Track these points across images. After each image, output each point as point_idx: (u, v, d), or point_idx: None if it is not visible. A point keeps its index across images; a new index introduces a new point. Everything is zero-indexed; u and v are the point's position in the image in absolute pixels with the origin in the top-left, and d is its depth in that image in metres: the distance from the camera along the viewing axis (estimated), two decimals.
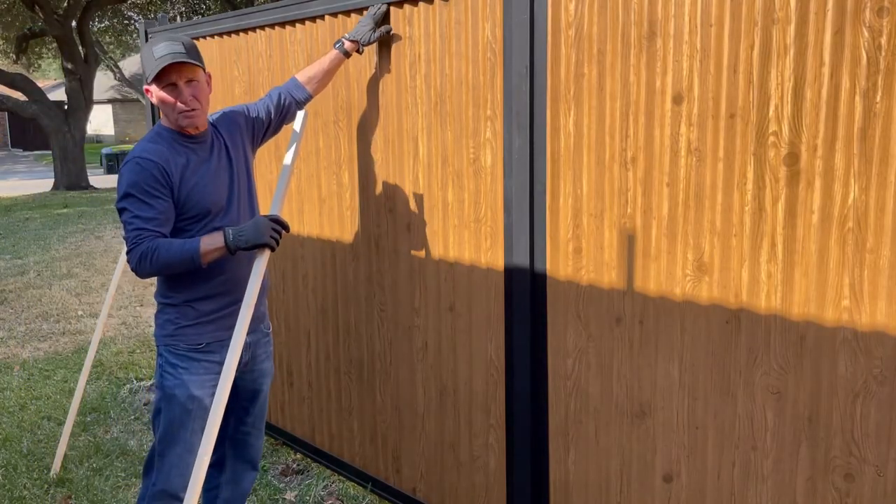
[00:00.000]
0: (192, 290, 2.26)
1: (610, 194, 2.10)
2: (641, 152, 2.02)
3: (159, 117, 2.33)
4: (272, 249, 2.20)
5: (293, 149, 2.46)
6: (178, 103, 2.18)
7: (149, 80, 2.18)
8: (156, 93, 2.20)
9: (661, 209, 2.00)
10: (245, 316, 2.16)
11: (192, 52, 2.20)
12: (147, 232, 2.12)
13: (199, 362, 2.27)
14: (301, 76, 2.62)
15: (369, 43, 2.60)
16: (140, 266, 2.13)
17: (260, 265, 2.20)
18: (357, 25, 2.61)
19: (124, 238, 2.16)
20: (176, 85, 2.17)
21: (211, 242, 2.13)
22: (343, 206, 2.98)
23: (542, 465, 2.41)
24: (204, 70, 2.25)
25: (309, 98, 2.63)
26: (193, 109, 2.20)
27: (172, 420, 2.27)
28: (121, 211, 2.17)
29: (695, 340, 1.99)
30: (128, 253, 2.14)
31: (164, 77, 2.16)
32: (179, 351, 2.27)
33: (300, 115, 2.54)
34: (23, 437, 3.72)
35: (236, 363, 2.13)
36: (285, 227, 2.21)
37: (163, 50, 2.15)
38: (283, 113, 2.57)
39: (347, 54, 2.63)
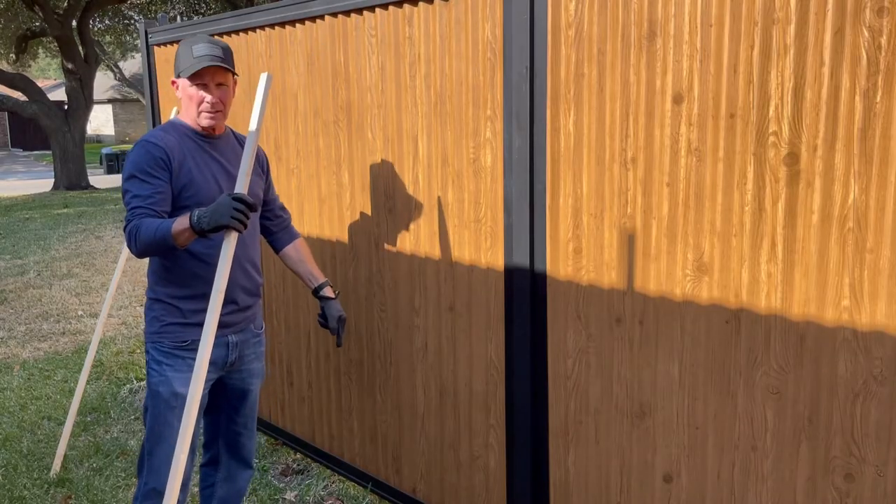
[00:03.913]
0: (177, 288, 2.27)
1: (610, 194, 2.10)
2: (641, 152, 2.02)
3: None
4: (238, 231, 2.07)
5: (257, 114, 2.24)
6: (205, 102, 2.25)
7: (181, 75, 2.25)
8: (185, 88, 2.26)
9: (661, 209, 2.00)
10: (215, 302, 2.04)
11: (229, 57, 2.28)
12: (141, 210, 2.13)
13: (184, 360, 2.27)
14: (301, 250, 2.63)
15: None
16: (129, 244, 2.14)
17: (228, 247, 2.08)
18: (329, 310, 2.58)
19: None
20: (207, 85, 2.24)
21: (180, 223, 2.07)
22: (343, 206, 2.98)
23: (542, 465, 2.41)
24: (234, 76, 2.31)
25: (281, 245, 2.62)
26: (217, 111, 2.27)
27: (158, 417, 2.28)
28: (124, 193, 2.20)
29: (695, 340, 1.99)
30: (125, 225, 2.17)
31: (198, 76, 2.22)
32: (164, 348, 2.28)
33: (263, 77, 2.29)
34: (23, 437, 3.72)
35: (208, 354, 2.04)
36: (250, 205, 2.05)
37: (203, 50, 2.22)
38: (269, 215, 2.58)
39: (317, 293, 2.59)
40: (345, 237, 3.00)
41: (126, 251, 3.67)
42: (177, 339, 2.28)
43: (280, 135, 3.23)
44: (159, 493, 2.26)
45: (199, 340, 2.15)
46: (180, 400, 2.24)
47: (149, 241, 2.09)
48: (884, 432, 1.72)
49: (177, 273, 2.26)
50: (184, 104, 2.30)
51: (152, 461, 2.30)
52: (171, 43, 3.81)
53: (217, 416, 2.50)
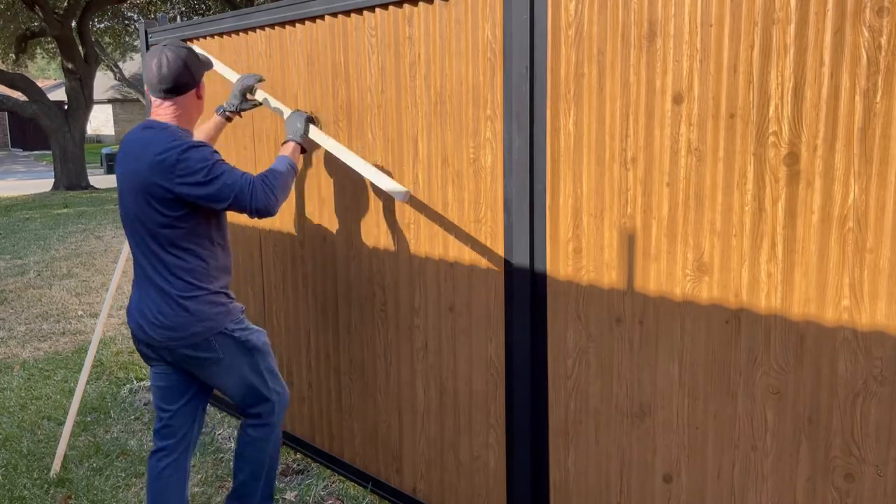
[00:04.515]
0: (221, 279, 2.50)
1: (610, 194, 2.10)
2: (641, 152, 2.02)
3: (181, 123, 2.50)
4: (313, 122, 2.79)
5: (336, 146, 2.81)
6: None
7: (205, 75, 2.54)
8: (204, 90, 2.53)
9: (661, 209, 2.00)
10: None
11: None
12: (241, 170, 2.39)
13: (245, 319, 2.60)
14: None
15: (241, 111, 2.94)
16: (266, 197, 2.38)
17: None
18: (230, 97, 2.93)
19: (226, 195, 2.33)
20: None
21: (286, 150, 2.64)
22: (343, 207, 2.98)
23: (542, 464, 2.41)
24: None
25: None
26: None
27: (267, 359, 2.60)
28: (216, 172, 2.31)
29: (695, 340, 1.99)
30: (247, 195, 2.34)
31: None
32: (239, 318, 2.54)
33: (314, 131, 2.82)
34: (23, 437, 3.72)
35: None
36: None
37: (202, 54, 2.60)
38: None
39: (229, 119, 2.97)
40: (345, 237, 3.00)
41: (126, 251, 3.67)
42: (238, 311, 2.55)
43: (280, 135, 3.23)
44: (287, 403, 2.70)
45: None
46: (269, 345, 2.63)
47: (284, 181, 2.47)
48: (884, 432, 1.72)
49: (218, 269, 2.48)
50: (196, 111, 2.52)
51: (279, 381, 2.66)
52: None
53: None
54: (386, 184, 2.59)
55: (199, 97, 2.50)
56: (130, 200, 2.39)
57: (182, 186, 2.29)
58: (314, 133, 2.78)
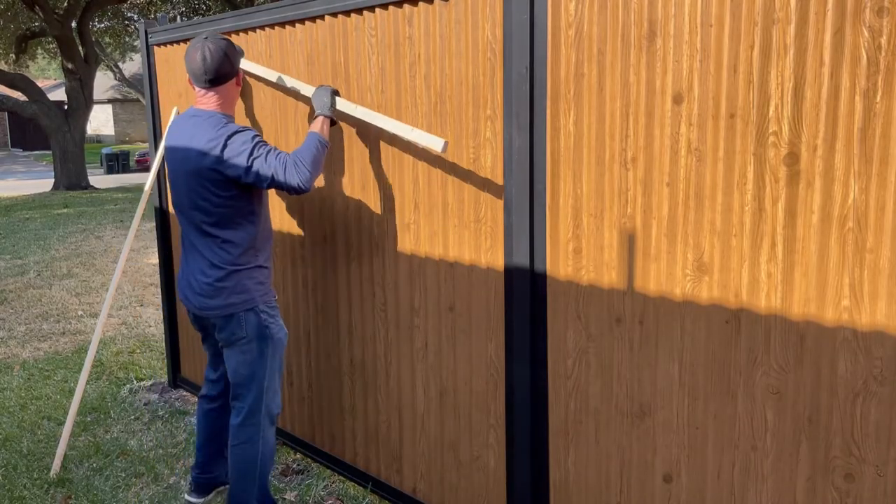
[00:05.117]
0: (264, 254, 2.66)
1: (610, 194, 2.10)
2: (641, 152, 2.02)
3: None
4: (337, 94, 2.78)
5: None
6: None
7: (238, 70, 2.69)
8: (241, 77, 2.71)
9: (661, 209, 2.00)
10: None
11: None
12: (278, 149, 2.52)
13: (278, 309, 2.74)
14: None
15: None
16: (300, 175, 2.45)
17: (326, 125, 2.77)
18: None
19: (266, 175, 2.46)
20: None
21: (315, 126, 2.64)
22: (343, 207, 2.98)
23: (542, 464, 2.41)
24: None
25: None
26: None
27: (276, 357, 2.68)
28: (257, 154, 2.46)
29: (695, 340, 1.99)
30: (282, 175, 2.45)
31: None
32: (271, 304, 2.68)
33: (342, 102, 2.77)
34: (23, 437, 3.72)
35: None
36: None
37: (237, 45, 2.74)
38: None
39: None
40: (345, 237, 3.00)
41: (126, 250, 3.67)
42: (272, 294, 2.70)
43: (280, 135, 3.23)
44: (276, 416, 2.75)
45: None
46: (283, 346, 2.73)
47: (314, 159, 2.51)
48: (884, 432, 1.72)
49: (263, 241, 2.65)
50: (236, 97, 2.68)
51: (276, 392, 2.72)
52: (171, 43, 3.81)
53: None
54: (422, 138, 2.53)
55: (238, 84, 2.68)
56: (183, 182, 2.59)
57: (230, 169, 2.47)
58: (342, 104, 2.76)
